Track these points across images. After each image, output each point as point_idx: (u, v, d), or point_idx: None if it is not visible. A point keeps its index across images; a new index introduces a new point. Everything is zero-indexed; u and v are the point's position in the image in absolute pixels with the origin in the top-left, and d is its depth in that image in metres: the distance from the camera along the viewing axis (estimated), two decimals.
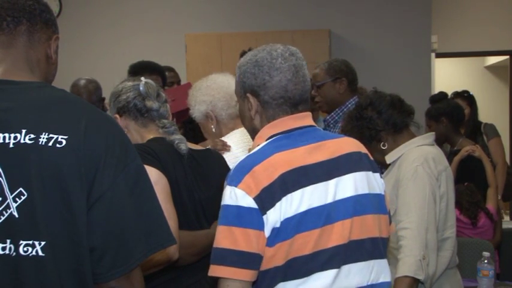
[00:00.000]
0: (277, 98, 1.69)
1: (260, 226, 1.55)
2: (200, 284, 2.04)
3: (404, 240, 2.23)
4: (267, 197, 1.56)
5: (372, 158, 1.80)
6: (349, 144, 1.75)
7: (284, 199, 1.57)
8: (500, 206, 4.01)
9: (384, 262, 1.72)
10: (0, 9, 1.41)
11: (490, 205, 3.75)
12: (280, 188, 1.57)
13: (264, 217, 1.55)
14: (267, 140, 1.69)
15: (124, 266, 1.34)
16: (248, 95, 1.73)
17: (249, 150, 1.75)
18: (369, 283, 1.66)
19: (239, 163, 1.64)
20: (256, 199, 1.55)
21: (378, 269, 1.68)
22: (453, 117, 3.97)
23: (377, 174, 1.75)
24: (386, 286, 1.72)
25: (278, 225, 1.56)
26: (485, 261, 2.80)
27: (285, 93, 1.69)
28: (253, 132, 1.79)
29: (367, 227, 1.67)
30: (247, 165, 1.61)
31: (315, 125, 1.76)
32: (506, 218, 4.86)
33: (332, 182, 1.63)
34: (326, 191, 1.62)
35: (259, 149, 1.66)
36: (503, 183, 4.34)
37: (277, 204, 1.56)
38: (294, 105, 1.71)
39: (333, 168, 1.65)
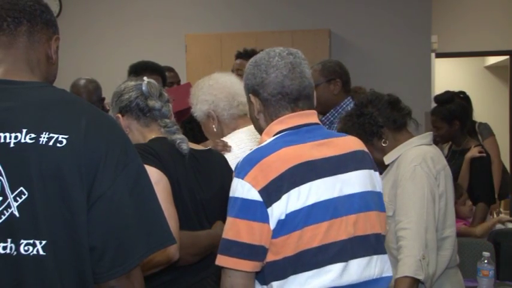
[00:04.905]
0: (275, 94, 1.74)
1: (264, 219, 1.60)
2: (201, 284, 2.03)
3: (403, 240, 2.23)
4: (274, 189, 1.60)
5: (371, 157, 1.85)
6: (354, 143, 1.81)
7: (292, 192, 1.61)
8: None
9: (386, 257, 1.77)
10: (1, 10, 1.42)
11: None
12: (288, 181, 1.61)
13: (269, 210, 1.60)
14: (274, 135, 1.73)
15: (124, 266, 1.34)
16: (250, 95, 1.79)
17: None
18: (374, 277, 1.72)
19: (247, 155, 1.68)
20: (262, 192, 1.60)
21: (381, 264, 1.74)
22: (465, 120, 3.99)
23: (377, 173, 1.82)
24: (389, 280, 1.78)
25: (283, 217, 1.60)
26: (485, 261, 2.80)
27: (282, 89, 1.74)
28: (261, 133, 1.83)
29: (371, 223, 1.73)
30: (256, 157, 1.65)
31: (320, 123, 1.80)
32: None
33: (339, 177, 1.69)
34: (333, 185, 1.67)
35: (267, 143, 1.70)
36: (498, 182, 4.44)
37: (284, 197, 1.60)
38: (292, 101, 1.75)
39: (340, 164, 1.71)
